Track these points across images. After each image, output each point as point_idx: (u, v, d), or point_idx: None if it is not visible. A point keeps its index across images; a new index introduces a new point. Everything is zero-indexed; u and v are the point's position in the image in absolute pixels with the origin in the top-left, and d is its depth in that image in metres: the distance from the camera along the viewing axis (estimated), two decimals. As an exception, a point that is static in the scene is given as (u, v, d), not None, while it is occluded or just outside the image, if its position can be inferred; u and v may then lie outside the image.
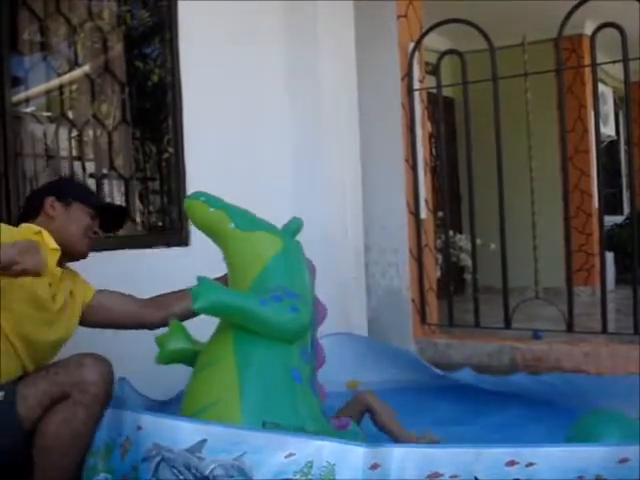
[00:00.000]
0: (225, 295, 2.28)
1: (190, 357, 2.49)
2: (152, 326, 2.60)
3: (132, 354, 2.62)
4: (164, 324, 2.57)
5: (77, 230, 2.43)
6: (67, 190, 2.50)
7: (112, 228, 2.65)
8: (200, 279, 2.27)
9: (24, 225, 2.37)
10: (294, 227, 2.58)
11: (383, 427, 2.78)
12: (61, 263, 2.40)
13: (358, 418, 2.78)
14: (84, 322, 2.49)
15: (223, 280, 2.60)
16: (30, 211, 2.44)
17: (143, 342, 2.57)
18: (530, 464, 1.80)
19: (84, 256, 2.48)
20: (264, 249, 2.45)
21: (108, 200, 2.81)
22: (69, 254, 2.42)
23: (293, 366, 2.32)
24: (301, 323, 2.32)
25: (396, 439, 2.68)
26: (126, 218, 2.73)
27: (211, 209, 2.49)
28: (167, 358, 2.51)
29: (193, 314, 2.54)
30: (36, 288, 2.21)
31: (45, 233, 2.34)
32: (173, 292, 2.66)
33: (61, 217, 2.42)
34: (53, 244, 2.33)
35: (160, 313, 2.58)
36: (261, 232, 2.49)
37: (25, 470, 2.11)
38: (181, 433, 2.02)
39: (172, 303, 2.62)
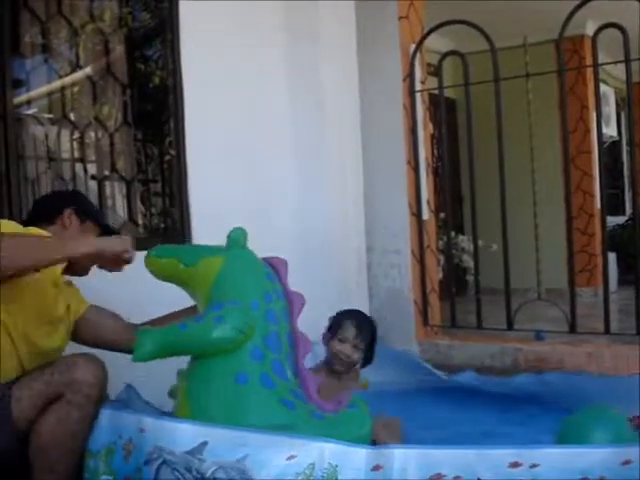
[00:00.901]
0: (153, 337, 2.28)
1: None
2: (130, 352, 2.55)
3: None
4: None
5: None
6: (85, 206, 2.57)
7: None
8: (138, 332, 2.29)
9: (33, 229, 2.35)
10: (235, 239, 2.65)
11: None
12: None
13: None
14: (73, 336, 2.49)
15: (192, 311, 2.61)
16: (44, 215, 2.47)
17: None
18: (534, 465, 1.80)
19: (86, 273, 2.49)
20: (208, 273, 2.51)
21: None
22: (72, 268, 2.41)
23: (238, 369, 2.31)
24: (227, 330, 2.31)
25: None
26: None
27: (163, 260, 2.58)
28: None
29: None
30: (43, 286, 2.23)
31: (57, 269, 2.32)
32: (169, 314, 2.65)
33: (75, 230, 2.46)
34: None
35: None
36: (203, 259, 2.55)
37: (22, 471, 2.11)
38: (182, 435, 2.02)
39: None
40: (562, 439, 2.44)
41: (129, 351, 2.48)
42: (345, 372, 2.90)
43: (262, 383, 2.34)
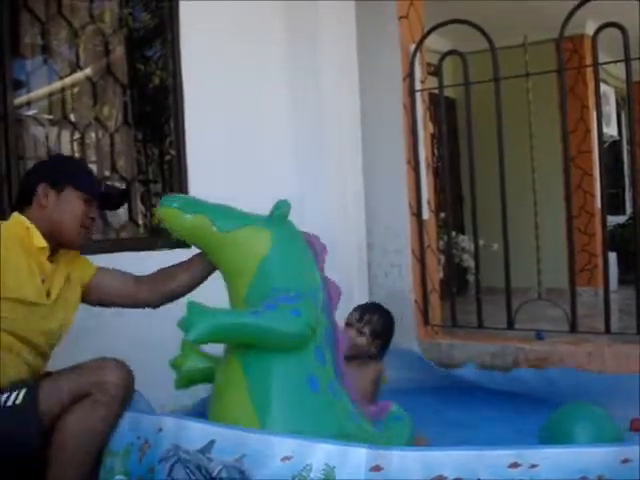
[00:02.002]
0: (218, 319, 2.10)
1: (209, 374, 2.45)
2: (148, 306, 2.54)
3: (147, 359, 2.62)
4: (162, 303, 2.53)
5: (70, 220, 2.32)
6: (60, 174, 2.36)
7: (112, 208, 2.58)
8: (190, 306, 2.11)
9: (15, 217, 2.30)
10: (281, 212, 2.40)
11: None
12: (55, 252, 2.34)
13: None
14: (83, 300, 2.47)
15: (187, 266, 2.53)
16: (24, 198, 2.34)
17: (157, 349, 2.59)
18: (533, 466, 1.80)
19: (78, 247, 2.39)
20: (253, 249, 2.26)
21: (107, 183, 2.66)
22: (63, 244, 2.35)
23: (309, 374, 2.17)
24: (305, 325, 2.15)
25: None
26: (126, 198, 2.63)
27: (187, 215, 2.29)
28: (185, 381, 2.51)
29: (196, 284, 2.52)
30: (25, 292, 2.19)
31: (33, 230, 2.26)
32: (178, 264, 2.55)
33: (54, 206, 2.30)
34: (41, 242, 2.26)
35: (155, 294, 2.51)
36: (245, 228, 2.29)
37: (40, 466, 2.12)
38: (196, 434, 2.04)
39: (169, 281, 2.52)
40: (545, 434, 2.48)
41: (145, 306, 2.53)
42: (356, 357, 2.92)
43: (331, 391, 2.26)
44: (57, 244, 2.33)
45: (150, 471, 2.09)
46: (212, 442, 1.99)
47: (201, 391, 3.20)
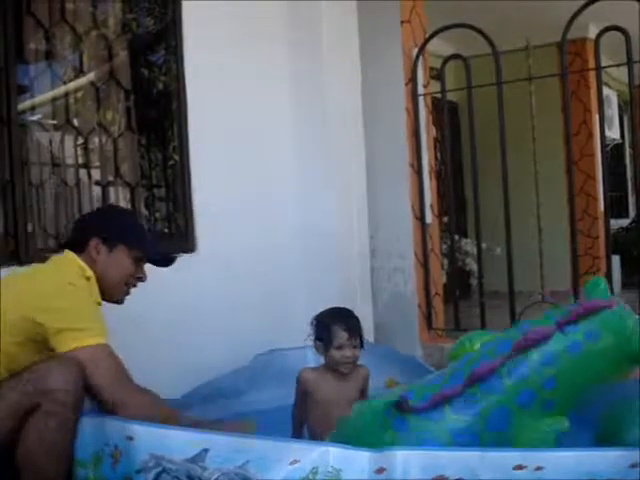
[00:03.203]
0: None
1: None
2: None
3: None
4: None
5: (117, 277, 2.41)
6: (114, 231, 2.42)
7: (159, 265, 2.58)
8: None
9: (75, 261, 2.35)
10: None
11: None
12: None
13: None
14: None
15: None
16: (76, 242, 2.42)
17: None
18: (538, 468, 1.79)
19: (117, 302, 2.45)
20: None
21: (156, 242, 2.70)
22: (105, 296, 2.40)
23: None
24: None
25: None
26: (174, 261, 2.62)
27: None
28: None
29: None
30: None
31: (94, 283, 2.34)
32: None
33: (104, 261, 2.39)
34: (99, 299, 2.35)
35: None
36: None
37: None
38: (181, 443, 2.01)
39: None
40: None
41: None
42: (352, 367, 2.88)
43: None
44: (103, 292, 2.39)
45: (127, 479, 2.06)
46: (205, 450, 1.97)
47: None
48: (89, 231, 2.42)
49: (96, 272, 2.37)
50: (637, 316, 2.29)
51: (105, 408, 2.16)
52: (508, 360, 2.23)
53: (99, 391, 2.15)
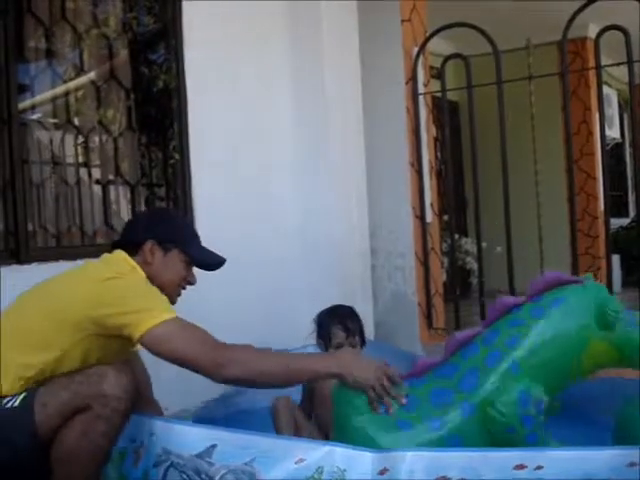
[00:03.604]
0: None
1: None
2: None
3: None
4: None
5: (171, 280, 2.41)
6: (170, 235, 2.42)
7: (208, 269, 2.57)
8: None
9: (128, 261, 2.34)
10: None
11: None
12: None
13: None
14: None
15: None
16: (129, 244, 2.40)
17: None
18: (539, 467, 1.79)
19: (172, 304, 2.42)
20: None
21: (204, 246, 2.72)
22: None
23: None
24: None
25: None
26: (223, 265, 2.62)
27: None
28: None
29: None
30: None
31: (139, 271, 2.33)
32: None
33: (158, 264, 2.37)
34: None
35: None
36: None
37: (44, 477, 2.10)
38: (191, 438, 2.02)
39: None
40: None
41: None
42: None
43: None
44: None
45: (145, 475, 2.07)
46: (213, 446, 1.98)
47: (203, 395, 3.22)
48: (144, 233, 2.40)
49: (149, 274, 2.35)
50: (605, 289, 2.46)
51: (209, 376, 2.13)
52: (485, 329, 2.44)
53: (193, 363, 2.10)
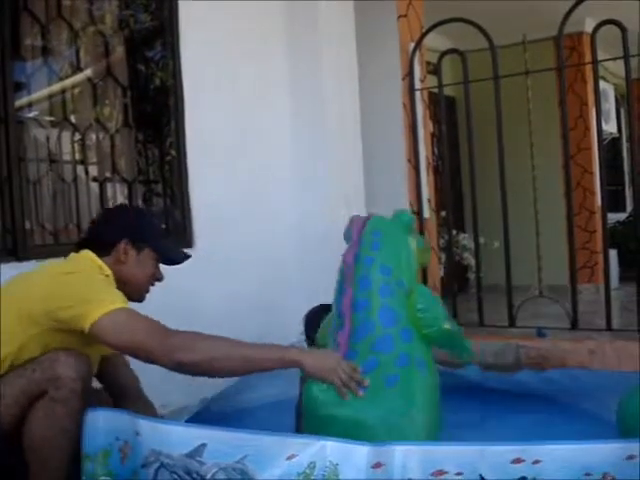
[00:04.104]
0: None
1: None
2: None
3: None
4: None
5: (143, 279, 2.43)
6: (144, 235, 2.43)
7: (176, 264, 2.59)
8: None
9: (94, 259, 2.34)
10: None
11: None
12: None
13: None
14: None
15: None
16: (100, 244, 2.38)
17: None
18: (536, 461, 1.80)
19: (140, 301, 2.45)
20: None
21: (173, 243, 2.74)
22: (127, 296, 2.35)
23: None
24: None
25: None
26: (188, 259, 2.64)
27: None
28: None
29: None
30: None
31: (111, 280, 2.33)
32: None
33: (131, 263, 2.39)
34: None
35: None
36: None
37: (18, 472, 2.10)
38: (179, 438, 2.01)
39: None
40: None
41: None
42: None
43: None
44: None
45: (134, 474, 2.05)
46: (203, 445, 1.97)
47: (202, 392, 3.22)
48: (117, 233, 2.39)
49: (121, 275, 2.36)
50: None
51: (162, 363, 2.13)
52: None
53: (144, 351, 2.11)
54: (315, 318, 2.91)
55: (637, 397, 2.57)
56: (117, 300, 2.16)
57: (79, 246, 2.43)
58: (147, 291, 2.48)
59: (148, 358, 2.11)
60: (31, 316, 2.14)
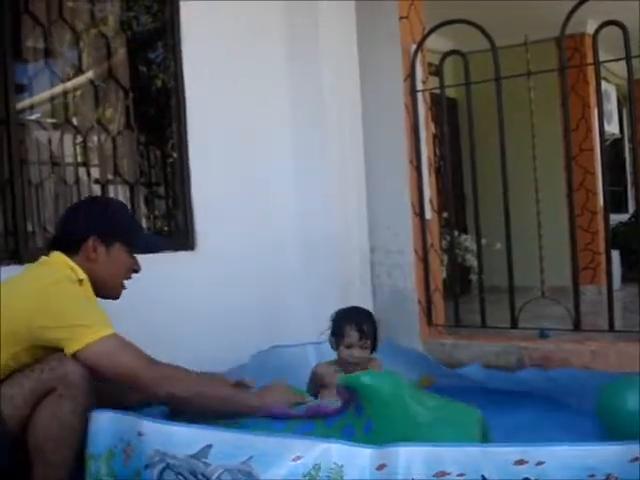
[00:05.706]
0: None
1: None
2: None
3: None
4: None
5: (116, 275, 2.38)
6: (112, 229, 2.36)
7: (153, 252, 2.59)
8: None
9: (66, 262, 2.30)
10: None
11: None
12: None
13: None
14: None
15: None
16: (69, 242, 2.33)
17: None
18: (540, 463, 1.79)
19: (115, 298, 2.42)
20: None
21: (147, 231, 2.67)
22: (103, 294, 2.37)
23: None
24: None
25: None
26: (165, 248, 2.66)
27: None
28: None
29: None
30: None
31: (87, 283, 2.30)
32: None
33: (102, 260, 2.33)
34: (93, 298, 2.34)
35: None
36: None
37: (22, 471, 2.11)
38: (184, 439, 2.01)
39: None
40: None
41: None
42: (362, 367, 2.91)
43: None
44: (96, 294, 2.36)
45: (137, 475, 2.06)
46: (209, 447, 1.97)
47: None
48: (86, 229, 2.33)
49: (93, 272, 2.32)
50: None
51: (149, 392, 2.20)
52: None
53: (133, 379, 2.15)
54: (341, 318, 2.97)
55: (613, 387, 2.60)
56: (103, 326, 2.16)
57: (49, 247, 2.39)
58: (123, 287, 2.43)
59: (136, 385, 2.17)
60: (15, 334, 2.13)
